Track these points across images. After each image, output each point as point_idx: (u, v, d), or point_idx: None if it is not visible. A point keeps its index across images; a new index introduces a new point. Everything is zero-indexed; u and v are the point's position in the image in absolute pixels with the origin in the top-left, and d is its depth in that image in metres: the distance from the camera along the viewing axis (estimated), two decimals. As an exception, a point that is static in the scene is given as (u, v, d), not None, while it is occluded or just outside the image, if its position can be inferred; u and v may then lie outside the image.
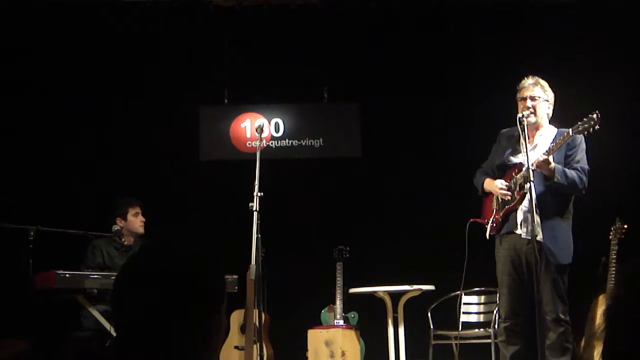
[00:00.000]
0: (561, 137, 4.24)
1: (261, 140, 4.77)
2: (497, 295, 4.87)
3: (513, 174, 4.43)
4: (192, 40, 6.96)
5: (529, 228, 4.21)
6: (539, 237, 4.21)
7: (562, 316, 4.27)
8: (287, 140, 7.25)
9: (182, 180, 6.83)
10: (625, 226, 5.27)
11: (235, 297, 5.23)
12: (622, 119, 6.00)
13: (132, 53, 6.86)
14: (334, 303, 6.04)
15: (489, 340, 5.37)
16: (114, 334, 1.56)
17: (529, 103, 4.41)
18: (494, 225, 4.52)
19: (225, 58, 7.10)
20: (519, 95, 4.49)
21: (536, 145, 4.41)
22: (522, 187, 4.30)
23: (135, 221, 5.61)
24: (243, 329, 5.79)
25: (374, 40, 7.07)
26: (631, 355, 1.21)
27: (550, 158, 4.20)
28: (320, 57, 7.06)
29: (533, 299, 4.00)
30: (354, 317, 6.04)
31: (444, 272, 5.66)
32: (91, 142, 6.76)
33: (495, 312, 5.42)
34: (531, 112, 4.38)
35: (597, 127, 4.07)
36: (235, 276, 5.17)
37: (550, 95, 4.50)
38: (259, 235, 4.34)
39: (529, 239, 4.14)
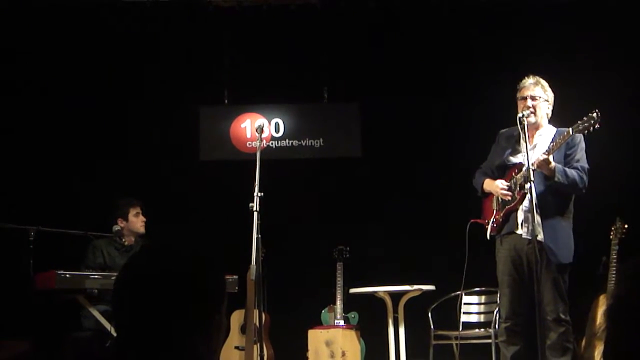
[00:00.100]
0: (561, 137, 4.24)
1: (261, 140, 4.77)
2: (498, 295, 4.87)
3: (513, 174, 4.43)
4: (192, 40, 6.96)
5: (530, 228, 4.20)
6: (540, 237, 4.20)
7: (562, 316, 4.27)
8: (287, 141, 7.25)
9: (182, 180, 6.83)
10: (626, 226, 5.27)
11: (235, 297, 5.23)
12: (623, 119, 6.00)
13: (132, 53, 6.86)
14: (334, 303, 6.04)
15: (489, 341, 5.37)
16: (115, 334, 1.56)
17: (530, 103, 4.41)
18: (495, 225, 4.52)
19: (225, 58, 7.10)
20: (519, 95, 4.48)
21: (536, 145, 4.41)
22: (522, 187, 4.29)
23: (136, 221, 5.61)
24: (243, 329, 5.79)
25: (374, 40, 7.07)
26: (632, 355, 1.21)
27: (551, 157, 4.20)
28: (320, 57, 7.06)
29: (534, 299, 3.99)
30: (354, 317, 6.03)
31: (444, 272, 5.67)
32: (91, 142, 6.76)
33: (495, 312, 5.42)
34: (531, 112, 4.38)
35: (597, 126, 4.06)
36: (235, 276, 5.17)
37: (550, 95, 4.50)
38: (259, 236, 4.34)
39: (529, 239, 4.14)
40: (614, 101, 5.72)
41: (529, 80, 4.47)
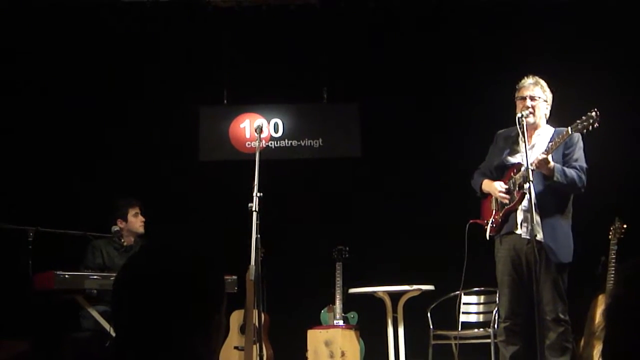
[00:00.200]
0: (560, 136, 4.24)
1: (260, 140, 4.77)
2: (497, 295, 4.87)
3: (512, 174, 4.43)
4: (192, 40, 6.96)
5: (529, 228, 4.20)
6: (539, 237, 4.21)
7: (561, 316, 4.27)
8: (286, 141, 7.25)
9: (182, 180, 6.83)
10: (625, 226, 5.27)
11: (234, 298, 5.23)
12: (622, 119, 6.01)
13: (131, 53, 6.86)
14: (334, 303, 6.04)
15: (488, 340, 5.37)
16: (114, 335, 1.56)
17: (529, 103, 4.40)
18: (494, 225, 4.52)
19: (224, 58, 7.09)
20: (518, 95, 4.48)
21: (534, 145, 4.41)
22: (521, 187, 4.29)
23: (136, 221, 5.61)
24: (243, 329, 5.79)
25: (373, 40, 7.07)
26: (631, 355, 1.21)
27: (550, 157, 4.20)
28: (319, 58, 7.06)
29: (533, 298, 3.99)
30: (353, 317, 6.04)
31: (444, 272, 5.67)
32: (91, 142, 6.76)
33: (494, 312, 5.42)
34: (530, 112, 4.38)
35: (596, 125, 4.07)
36: (234, 276, 5.17)
37: (549, 95, 4.50)
38: (259, 236, 4.34)
39: (529, 239, 4.14)
40: (613, 101, 5.71)
41: (528, 80, 4.47)
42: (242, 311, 5.77)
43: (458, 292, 5.46)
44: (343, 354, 5.77)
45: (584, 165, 4.34)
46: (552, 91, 4.52)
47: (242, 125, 7.24)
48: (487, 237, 4.56)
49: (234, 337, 5.91)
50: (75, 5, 6.71)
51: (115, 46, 6.83)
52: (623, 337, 1.23)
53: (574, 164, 4.32)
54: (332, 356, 5.78)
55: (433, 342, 5.61)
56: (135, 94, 6.87)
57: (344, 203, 6.91)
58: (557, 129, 4.41)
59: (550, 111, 4.53)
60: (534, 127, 4.44)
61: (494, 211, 4.54)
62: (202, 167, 7.09)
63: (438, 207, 6.51)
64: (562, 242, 4.31)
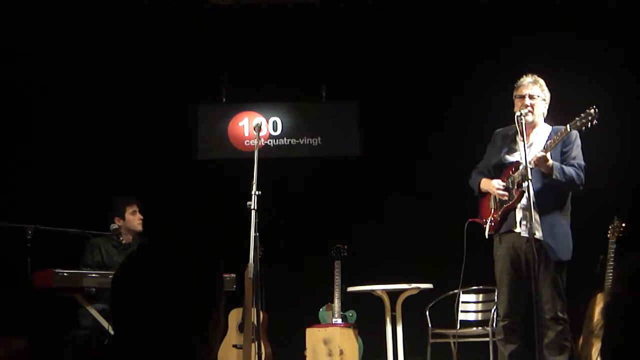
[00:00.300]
0: (558, 134, 4.24)
1: (259, 138, 4.76)
2: (495, 293, 4.87)
3: (510, 172, 4.43)
4: (191, 39, 6.96)
5: (528, 226, 4.20)
6: (539, 235, 4.22)
7: (560, 314, 4.28)
8: (285, 139, 7.25)
9: (181, 178, 6.83)
10: (624, 225, 5.27)
11: (233, 296, 5.23)
12: (622, 119, 6.01)
13: (130, 52, 6.86)
14: (332, 302, 6.04)
15: (487, 339, 5.38)
16: (112, 333, 1.56)
17: (528, 101, 4.40)
18: (493, 224, 4.51)
19: (223, 57, 7.09)
20: (516, 93, 4.48)
21: (532, 143, 4.40)
22: (519, 185, 4.29)
23: (133, 219, 5.61)
24: (241, 327, 5.79)
25: (373, 39, 7.07)
26: (629, 353, 1.21)
27: (548, 155, 4.20)
28: (318, 56, 7.06)
29: (532, 297, 3.99)
30: (352, 315, 6.04)
31: (442, 271, 5.67)
32: (89, 141, 6.76)
33: (493, 310, 5.43)
34: (529, 111, 4.37)
35: (595, 122, 4.06)
36: (233, 275, 5.17)
37: (547, 94, 4.49)
38: (257, 234, 4.33)
39: (528, 237, 4.13)
40: (613, 101, 5.72)
41: (527, 79, 4.46)
42: (241, 309, 5.77)
43: (457, 290, 5.46)
44: (342, 353, 5.77)
45: (582, 163, 4.34)
46: (550, 90, 4.52)
47: (240, 124, 7.24)
48: (486, 236, 4.55)
49: (232, 336, 5.91)
50: (75, 5, 6.70)
51: (114, 45, 6.83)
52: (621, 335, 1.23)
53: (572, 161, 4.32)
54: (330, 354, 5.78)
55: (431, 340, 5.62)
56: (134, 92, 6.87)
57: (342, 201, 6.91)
58: (555, 127, 4.41)
59: (548, 110, 4.52)
60: (532, 125, 4.44)
61: (492, 210, 4.54)
62: (200, 165, 7.09)
63: (437, 206, 6.51)
64: (562, 240, 4.31)
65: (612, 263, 5.16)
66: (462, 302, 5.80)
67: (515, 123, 4.33)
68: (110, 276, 3.22)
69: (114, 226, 5.50)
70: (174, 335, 1.46)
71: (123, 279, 1.52)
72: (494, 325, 5.15)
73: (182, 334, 1.46)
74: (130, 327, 1.47)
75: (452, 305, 5.56)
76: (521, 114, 4.27)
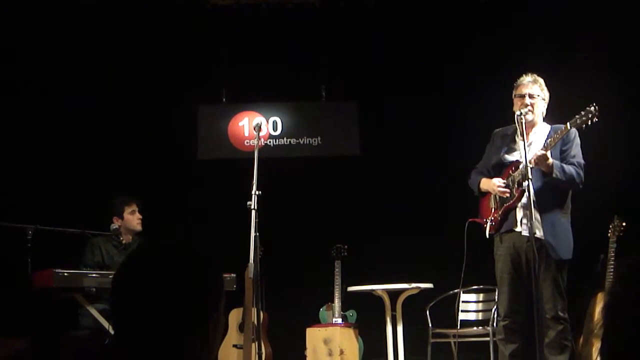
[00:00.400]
0: (558, 132, 4.24)
1: (259, 138, 4.76)
2: (496, 293, 4.87)
3: (510, 172, 4.43)
4: (191, 39, 6.96)
5: (528, 225, 4.19)
6: (539, 234, 4.21)
7: (561, 314, 4.27)
8: (285, 139, 7.25)
9: (181, 178, 6.83)
10: (624, 224, 5.27)
11: (233, 296, 5.23)
12: (622, 118, 6.01)
13: (130, 52, 6.86)
14: (333, 301, 6.04)
15: (487, 339, 5.38)
16: (113, 333, 1.56)
17: (528, 101, 4.40)
18: (493, 224, 4.51)
19: (223, 57, 7.09)
20: (516, 92, 4.47)
21: (531, 142, 4.40)
22: (520, 184, 4.29)
23: (132, 219, 5.60)
24: (241, 327, 5.80)
25: (372, 39, 7.07)
26: (629, 352, 1.21)
27: (548, 153, 4.20)
28: (318, 56, 7.06)
29: (532, 296, 3.99)
30: (352, 315, 6.04)
31: (442, 271, 5.67)
32: (89, 141, 6.76)
33: (493, 310, 5.43)
34: (529, 110, 4.37)
35: (595, 119, 4.06)
36: (233, 275, 5.17)
37: (546, 94, 4.49)
38: (257, 234, 4.33)
39: (529, 236, 4.13)
40: (613, 100, 5.71)
41: (527, 78, 4.46)
42: (241, 309, 5.77)
43: (457, 290, 5.46)
44: (342, 352, 5.77)
45: (582, 161, 4.34)
46: (549, 90, 4.51)
47: (240, 124, 7.24)
48: (487, 236, 4.54)
49: (232, 336, 5.91)
50: (75, 5, 6.70)
51: (114, 45, 6.83)
52: (621, 334, 1.23)
53: (572, 160, 4.32)
54: (330, 354, 5.78)
55: (432, 340, 5.62)
56: (133, 93, 6.87)
57: (342, 201, 6.91)
58: (554, 125, 4.41)
59: (547, 109, 4.52)
60: (531, 124, 4.44)
61: (492, 209, 4.54)
62: (200, 165, 7.09)
63: (437, 206, 6.51)
64: (562, 238, 4.30)
65: (612, 262, 5.16)
66: (463, 301, 5.80)
67: (515, 122, 4.33)
68: (111, 276, 3.22)
69: (114, 226, 5.50)
70: (174, 335, 1.46)
71: (123, 279, 1.52)
72: (495, 324, 5.15)
73: (182, 334, 1.46)
74: (130, 327, 1.47)
75: (452, 305, 5.56)
76: (521, 113, 4.26)
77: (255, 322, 4.48)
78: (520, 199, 4.33)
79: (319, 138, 7.23)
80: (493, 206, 4.54)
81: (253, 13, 7.00)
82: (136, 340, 1.45)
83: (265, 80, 7.08)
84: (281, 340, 6.09)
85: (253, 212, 4.35)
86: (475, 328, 5.66)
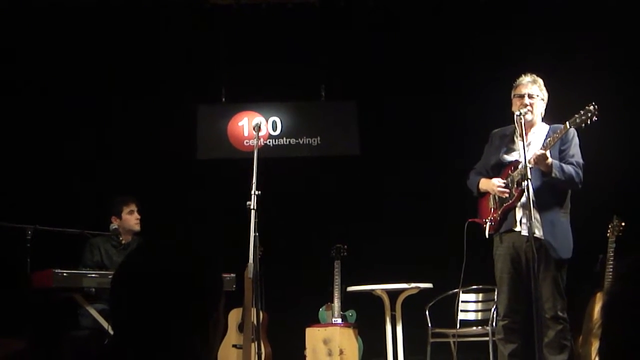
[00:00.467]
0: (557, 132, 4.24)
1: (259, 138, 4.76)
2: (495, 293, 4.87)
3: (509, 171, 4.43)
4: (190, 39, 6.96)
5: (528, 225, 4.19)
6: (539, 234, 4.21)
7: (560, 314, 4.27)
8: (284, 139, 7.25)
9: (180, 178, 6.83)
10: (623, 224, 5.27)
11: (233, 296, 5.22)
12: (622, 118, 6.01)
13: (130, 52, 6.86)
14: (332, 301, 6.04)
15: (486, 338, 5.38)
16: (112, 333, 1.56)
17: (527, 101, 4.40)
18: (493, 224, 4.51)
19: (222, 56, 7.09)
20: (515, 92, 4.48)
21: (530, 142, 4.40)
22: (519, 184, 4.29)
23: (130, 219, 5.59)
24: (241, 327, 5.79)
25: (372, 38, 7.07)
26: (627, 352, 1.21)
27: (548, 153, 4.20)
28: (317, 56, 7.06)
29: (531, 296, 3.99)
30: (352, 315, 6.04)
31: (442, 271, 5.68)
32: (89, 141, 6.76)
33: (493, 310, 5.43)
34: (528, 110, 4.37)
35: (594, 118, 4.06)
36: (233, 275, 5.16)
37: (545, 94, 4.50)
38: (257, 234, 4.33)
39: (528, 236, 4.13)
40: (613, 100, 5.72)
41: (526, 78, 4.46)
42: (241, 309, 5.77)
43: (456, 290, 5.46)
44: (341, 352, 5.77)
45: (581, 161, 4.34)
46: (548, 90, 4.52)
47: (240, 124, 7.24)
48: (487, 236, 4.55)
49: (232, 336, 5.91)
50: (75, 5, 6.70)
51: (114, 45, 6.83)
52: (619, 334, 1.23)
53: (571, 159, 4.32)
54: (330, 354, 5.78)
55: (431, 340, 5.62)
56: (133, 93, 6.87)
57: (342, 201, 6.91)
58: (553, 125, 4.41)
59: (546, 109, 4.52)
60: (530, 124, 4.44)
61: (492, 209, 4.54)
62: (200, 165, 7.09)
63: (436, 206, 6.51)
64: (562, 238, 4.31)
65: (611, 262, 5.16)
66: (462, 301, 5.80)
67: (514, 122, 4.33)
68: (110, 276, 3.22)
69: (113, 226, 5.50)
70: (173, 335, 1.46)
71: (122, 279, 1.52)
72: (494, 324, 5.15)
73: (182, 334, 1.46)
74: (130, 327, 1.47)
75: (452, 304, 5.57)
76: (520, 113, 4.26)
77: (255, 322, 4.48)
78: (520, 198, 4.33)
79: (318, 138, 7.23)
80: (492, 206, 4.54)
81: (253, 13, 7.00)
82: (136, 340, 1.45)
83: (265, 80, 7.07)
84: (281, 340, 6.09)
85: (252, 212, 4.35)
86: (474, 328, 5.66)
